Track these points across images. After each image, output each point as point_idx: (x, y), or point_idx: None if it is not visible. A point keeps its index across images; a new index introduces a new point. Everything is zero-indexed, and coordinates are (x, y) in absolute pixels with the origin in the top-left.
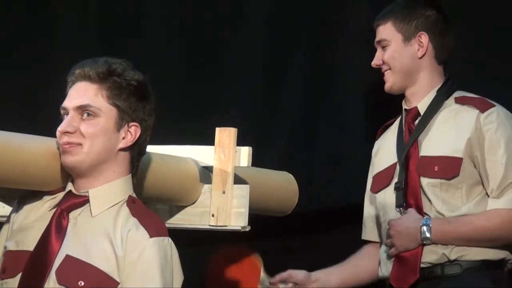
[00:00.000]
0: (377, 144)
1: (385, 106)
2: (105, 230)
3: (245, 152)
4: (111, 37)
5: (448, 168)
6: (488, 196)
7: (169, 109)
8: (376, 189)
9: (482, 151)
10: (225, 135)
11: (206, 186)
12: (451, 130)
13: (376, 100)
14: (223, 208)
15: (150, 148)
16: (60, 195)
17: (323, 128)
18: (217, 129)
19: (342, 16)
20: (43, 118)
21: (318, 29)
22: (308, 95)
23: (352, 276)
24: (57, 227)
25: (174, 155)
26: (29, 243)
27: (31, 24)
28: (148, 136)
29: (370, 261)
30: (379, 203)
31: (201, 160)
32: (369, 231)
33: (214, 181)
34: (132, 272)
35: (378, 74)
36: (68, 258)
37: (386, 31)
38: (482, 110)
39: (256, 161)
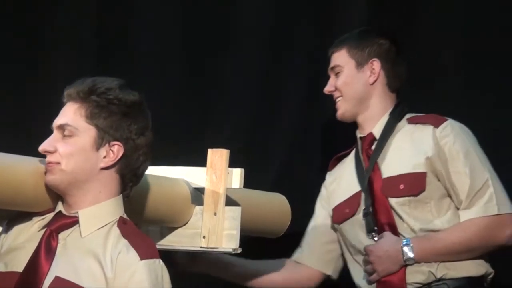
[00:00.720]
0: (332, 176)
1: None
2: (95, 251)
3: (237, 174)
4: (106, 60)
5: (413, 184)
6: (458, 208)
7: (162, 130)
8: (340, 220)
9: (445, 165)
10: (217, 156)
11: (197, 208)
12: (408, 149)
13: None
14: (215, 229)
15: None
16: (50, 215)
17: (317, 150)
18: (209, 151)
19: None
20: (36, 139)
21: (312, 53)
22: (301, 117)
23: (254, 274)
24: (46, 248)
25: (166, 176)
26: (18, 264)
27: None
28: (142, 156)
29: (282, 272)
30: (347, 232)
31: (193, 182)
32: (305, 255)
33: (206, 202)
34: None
35: None
36: (57, 279)
37: (340, 58)
38: (436, 125)
39: (249, 182)
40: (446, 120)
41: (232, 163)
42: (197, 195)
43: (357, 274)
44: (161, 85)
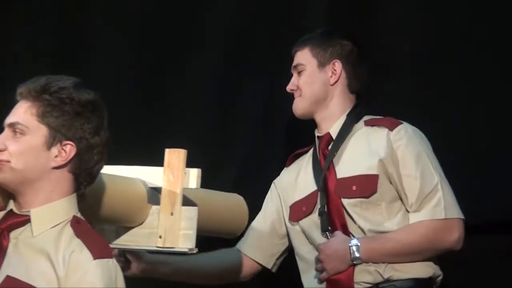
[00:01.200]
0: (288, 172)
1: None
2: (46, 250)
3: (194, 174)
4: (61, 59)
5: (365, 186)
6: (408, 211)
7: (119, 129)
8: (297, 218)
9: (396, 168)
10: (175, 156)
11: (154, 207)
12: (363, 151)
13: None
14: (171, 229)
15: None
16: (1, 213)
17: (277, 149)
18: (167, 150)
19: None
20: None
21: (273, 52)
22: (261, 118)
23: (191, 268)
24: None
25: (122, 176)
26: None
27: None
28: (96, 155)
29: (226, 264)
30: (304, 231)
31: (150, 181)
32: (248, 245)
33: (163, 202)
34: None
35: None
36: (8, 278)
37: (303, 57)
38: (391, 128)
39: (207, 183)
40: (401, 123)
41: (190, 164)
42: (154, 194)
43: (305, 273)
44: (119, 85)
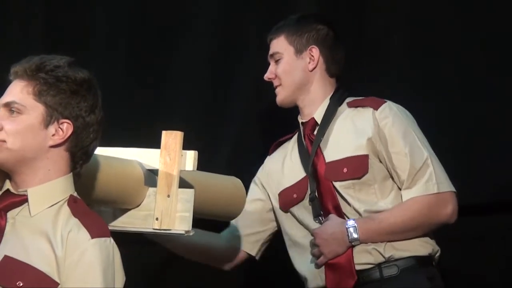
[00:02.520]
0: (271, 160)
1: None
2: (44, 230)
3: (191, 156)
4: (56, 41)
5: (356, 167)
6: (400, 189)
7: (116, 111)
8: (288, 205)
9: (385, 146)
10: (171, 138)
11: (151, 189)
12: (350, 132)
13: None
14: (168, 211)
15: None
16: None
17: (272, 133)
18: (163, 132)
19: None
20: None
21: (266, 33)
22: (255, 99)
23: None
24: None
25: (119, 157)
26: None
27: None
28: (92, 134)
29: (205, 242)
30: (296, 217)
31: (146, 163)
32: (232, 232)
33: (159, 184)
34: (72, 273)
35: None
36: (6, 258)
37: (279, 44)
38: (376, 108)
39: (204, 165)
40: (385, 102)
41: (187, 146)
42: (151, 176)
43: (300, 259)
44: (114, 67)
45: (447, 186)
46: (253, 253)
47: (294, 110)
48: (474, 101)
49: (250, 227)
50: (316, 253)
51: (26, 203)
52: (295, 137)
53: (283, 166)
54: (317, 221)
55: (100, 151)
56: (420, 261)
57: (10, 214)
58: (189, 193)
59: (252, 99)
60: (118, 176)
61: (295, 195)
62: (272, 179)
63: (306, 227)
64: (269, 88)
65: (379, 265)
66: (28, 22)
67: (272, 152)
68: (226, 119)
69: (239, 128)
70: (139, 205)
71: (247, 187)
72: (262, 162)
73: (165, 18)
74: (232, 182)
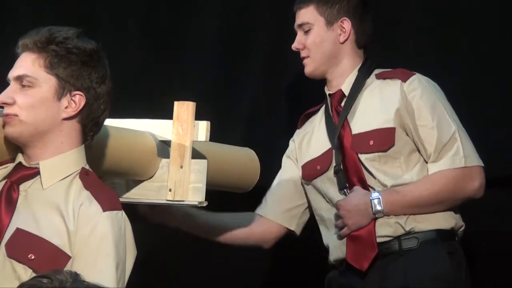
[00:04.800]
0: (301, 133)
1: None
2: (56, 203)
3: (204, 127)
4: (68, 15)
5: (383, 140)
6: (427, 162)
7: (128, 83)
8: (311, 177)
9: (412, 119)
10: (184, 109)
11: (163, 161)
12: (378, 104)
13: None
14: (181, 182)
15: (108, 121)
16: (11, 165)
17: (286, 105)
18: (176, 103)
19: None
20: None
21: (279, 7)
22: (268, 70)
23: (214, 226)
24: (7, 200)
25: (132, 129)
26: None
27: None
28: (103, 105)
29: (244, 228)
30: (319, 190)
31: (159, 134)
32: (270, 209)
33: (172, 155)
34: (84, 247)
35: None
36: (18, 231)
37: (308, 15)
38: (404, 80)
39: (218, 137)
40: (414, 74)
41: (200, 117)
42: (163, 148)
43: (325, 232)
44: (127, 40)
45: (475, 160)
46: (292, 227)
47: (306, 84)
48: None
49: (288, 201)
50: (340, 224)
51: (38, 176)
52: (323, 108)
53: (310, 139)
54: (342, 193)
55: (112, 122)
56: (441, 235)
57: (22, 186)
58: (202, 164)
59: (266, 71)
60: (130, 147)
61: (318, 167)
62: (301, 152)
63: (330, 199)
64: (283, 61)
65: (398, 238)
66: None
67: (301, 125)
68: (240, 90)
69: (253, 99)
70: (152, 176)
71: (261, 159)
72: (276, 134)
73: None
74: (246, 153)
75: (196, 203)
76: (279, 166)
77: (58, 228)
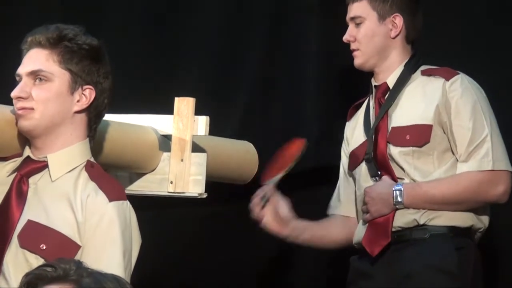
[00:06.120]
0: (349, 125)
1: (347, 79)
2: (66, 194)
3: (203, 121)
4: (72, 11)
5: (419, 135)
6: (458, 161)
7: (130, 79)
8: (352, 167)
9: (449, 117)
10: (184, 104)
11: (165, 154)
12: (419, 100)
13: (329, 70)
14: (181, 175)
15: (110, 117)
16: (19, 160)
17: (283, 97)
18: (176, 99)
19: None
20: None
21: (275, 2)
22: (266, 64)
23: (320, 238)
24: (17, 193)
25: (134, 124)
26: None
27: None
28: (106, 99)
29: (339, 230)
30: (356, 178)
31: (160, 129)
32: (344, 207)
33: (173, 149)
34: (93, 236)
35: (333, 46)
36: (29, 222)
37: (361, 8)
38: (447, 78)
39: (218, 131)
40: (458, 74)
41: (199, 112)
42: (165, 142)
43: (359, 217)
44: (128, 36)
45: (503, 165)
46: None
47: (305, 78)
48: None
49: (354, 192)
50: (364, 210)
51: (47, 169)
52: (367, 100)
53: (354, 129)
54: (373, 181)
55: (115, 117)
56: (453, 231)
57: (31, 180)
58: (201, 157)
59: (264, 66)
60: (133, 141)
61: (359, 156)
62: (349, 143)
63: (360, 187)
64: (283, 55)
65: (411, 228)
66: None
67: (350, 117)
68: (239, 86)
69: (251, 94)
70: (154, 169)
71: (259, 152)
72: (276, 127)
73: None
74: (244, 146)
75: (196, 194)
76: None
77: (67, 218)
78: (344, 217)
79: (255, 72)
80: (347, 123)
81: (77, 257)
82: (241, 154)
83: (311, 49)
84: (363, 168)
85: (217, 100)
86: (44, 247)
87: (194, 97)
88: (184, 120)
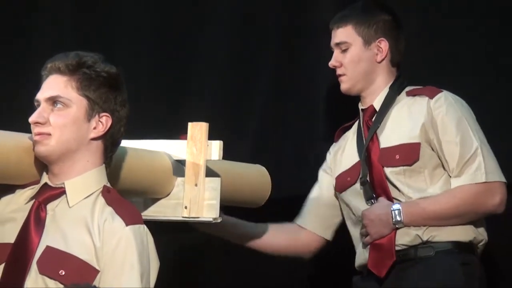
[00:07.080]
0: (336, 146)
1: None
2: (83, 219)
3: (216, 146)
4: (85, 34)
5: (408, 154)
6: (450, 176)
7: (144, 106)
8: (342, 189)
9: (436, 134)
10: (197, 129)
11: (179, 179)
12: (406, 120)
13: (342, 94)
14: (196, 200)
15: (125, 143)
16: (37, 187)
17: (294, 120)
18: (190, 124)
19: (311, 13)
20: (18, 114)
21: (287, 26)
22: (277, 88)
23: (253, 237)
24: (36, 220)
25: (148, 149)
26: (10, 236)
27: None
28: (122, 127)
29: (284, 235)
30: (348, 201)
31: (174, 154)
32: (308, 220)
33: (187, 174)
34: (111, 260)
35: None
36: (48, 248)
37: (346, 34)
38: (431, 97)
39: (231, 155)
40: (441, 91)
41: (212, 136)
42: (179, 167)
43: (356, 240)
44: (141, 63)
45: (497, 176)
46: (329, 238)
47: (316, 99)
48: None
49: (326, 213)
50: (364, 233)
51: (64, 195)
52: (357, 123)
53: (343, 152)
54: (369, 204)
55: (129, 143)
56: (458, 246)
57: (49, 206)
58: (215, 182)
59: (275, 90)
60: (148, 167)
61: (349, 179)
62: (335, 164)
63: (357, 210)
64: (291, 79)
65: (415, 246)
66: (56, 18)
67: (337, 138)
68: (250, 110)
69: (263, 119)
70: (169, 194)
71: (271, 175)
72: (286, 151)
73: (188, 10)
74: (257, 170)
75: (211, 219)
76: (288, 181)
77: (86, 244)
78: (298, 227)
79: (267, 94)
80: (334, 144)
81: (95, 282)
82: (254, 177)
83: (323, 74)
84: (355, 191)
85: (230, 125)
86: (63, 273)
87: (207, 122)
88: (198, 145)
